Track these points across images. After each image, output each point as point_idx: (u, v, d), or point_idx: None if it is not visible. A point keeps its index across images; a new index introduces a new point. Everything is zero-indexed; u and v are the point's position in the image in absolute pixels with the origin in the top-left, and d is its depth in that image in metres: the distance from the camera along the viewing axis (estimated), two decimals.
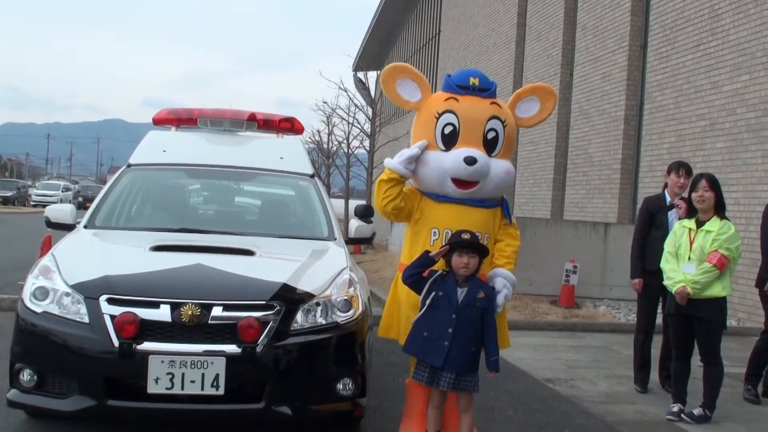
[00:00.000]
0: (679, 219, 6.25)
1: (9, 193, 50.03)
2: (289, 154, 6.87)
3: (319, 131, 30.66)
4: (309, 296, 4.66)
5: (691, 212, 6.06)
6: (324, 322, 4.66)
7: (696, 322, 6.00)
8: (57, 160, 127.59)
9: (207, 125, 7.13)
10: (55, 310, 4.51)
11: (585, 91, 16.99)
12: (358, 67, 37.58)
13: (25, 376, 4.48)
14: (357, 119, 27.59)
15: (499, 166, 4.87)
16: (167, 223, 5.95)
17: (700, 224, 5.98)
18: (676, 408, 6.12)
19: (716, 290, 5.93)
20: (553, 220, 15.93)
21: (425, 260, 4.65)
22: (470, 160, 4.72)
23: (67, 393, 4.42)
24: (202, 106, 7.12)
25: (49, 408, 4.48)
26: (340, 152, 29.81)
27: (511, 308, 11.76)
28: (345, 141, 27.84)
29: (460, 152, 4.76)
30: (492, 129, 4.86)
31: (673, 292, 5.97)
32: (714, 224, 5.94)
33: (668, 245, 6.14)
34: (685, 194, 6.34)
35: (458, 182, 4.79)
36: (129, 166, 6.56)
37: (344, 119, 27.87)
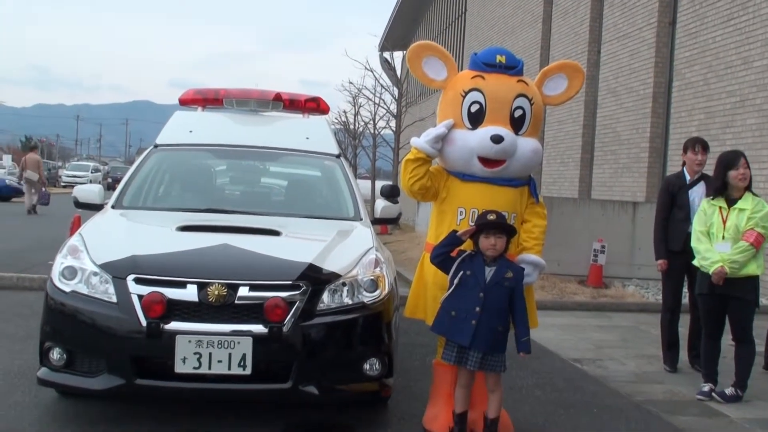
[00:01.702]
0: (707, 198, 6.14)
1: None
2: (315, 134, 6.85)
3: (345, 112, 30.64)
4: (335, 276, 4.65)
5: (720, 190, 5.96)
6: (350, 302, 4.65)
7: (730, 302, 5.93)
8: (86, 141, 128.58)
9: (233, 105, 7.12)
10: (83, 289, 4.54)
11: (613, 68, 16.79)
12: (383, 47, 37.46)
13: (55, 354, 4.52)
14: (383, 99, 27.54)
15: (526, 144, 4.82)
16: (194, 204, 5.97)
17: (731, 202, 5.90)
18: (707, 387, 6.07)
19: (752, 269, 5.85)
20: (580, 200, 15.80)
21: (453, 240, 4.62)
22: (497, 139, 4.67)
23: (96, 372, 4.45)
24: (227, 87, 7.10)
25: (79, 386, 4.52)
26: (366, 133, 29.80)
27: (538, 288, 11.73)
28: (371, 121, 27.81)
29: (486, 130, 4.71)
30: (519, 107, 4.81)
31: (710, 272, 5.87)
32: (747, 202, 5.85)
33: (698, 224, 6.05)
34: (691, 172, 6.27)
35: (485, 161, 4.74)
36: (156, 146, 6.58)
37: (370, 99, 27.83)
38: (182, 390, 4.42)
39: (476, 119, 4.79)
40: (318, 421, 4.99)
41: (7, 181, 31.83)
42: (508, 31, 23.90)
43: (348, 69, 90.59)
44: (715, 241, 5.91)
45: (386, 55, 32.97)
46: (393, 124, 26.80)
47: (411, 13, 37.66)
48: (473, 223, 4.66)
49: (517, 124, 4.82)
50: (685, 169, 6.92)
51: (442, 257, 4.64)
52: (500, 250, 4.58)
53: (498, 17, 25.33)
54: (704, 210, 6.06)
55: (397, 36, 38.08)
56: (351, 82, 29.15)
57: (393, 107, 26.81)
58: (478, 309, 4.50)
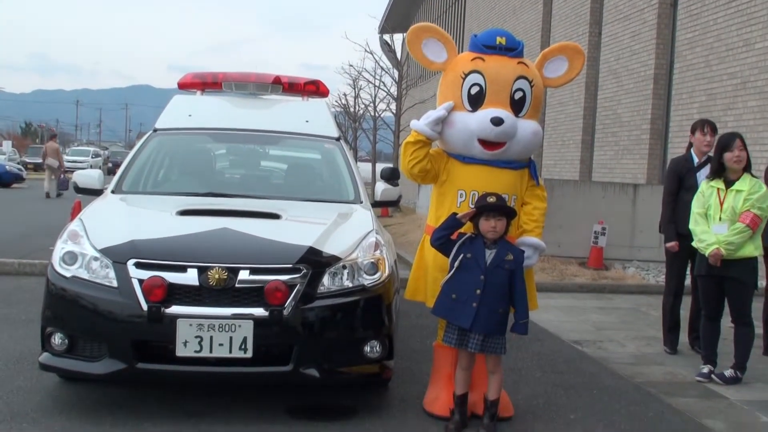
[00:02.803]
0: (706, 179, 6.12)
1: (39, 160, 50.38)
2: (314, 117, 6.84)
3: (345, 94, 30.57)
4: (335, 259, 4.66)
5: (718, 172, 5.95)
6: (350, 285, 4.66)
7: (727, 283, 5.94)
8: (86, 126, 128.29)
9: (232, 89, 7.12)
10: (84, 274, 4.55)
11: (614, 50, 16.74)
12: (383, 29, 37.35)
13: (57, 339, 4.54)
14: (383, 82, 27.49)
15: (526, 126, 4.81)
16: (193, 188, 5.97)
17: (729, 184, 5.89)
18: (706, 369, 6.08)
19: (748, 250, 5.85)
20: (581, 182, 15.79)
21: (453, 223, 4.62)
22: (497, 121, 4.66)
23: (97, 356, 4.47)
24: (226, 71, 7.09)
25: (80, 371, 4.54)
26: (366, 115, 29.76)
27: (539, 270, 11.73)
28: (371, 104, 27.77)
29: (486, 113, 4.71)
30: (519, 89, 4.80)
31: (706, 254, 5.88)
32: (744, 183, 5.85)
33: (696, 206, 6.05)
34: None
35: (485, 143, 4.74)
36: (155, 130, 6.57)
37: (370, 82, 27.77)
38: (184, 373, 4.44)
39: (476, 101, 4.78)
40: (319, 404, 5.00)
41: (7, 167, 31.78)
42: (509, 12, 23.81)
43: (348, 52, 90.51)
44: (713, 222, 5.90)
45: (386, 37, 32.88)
46: (393, 106, 26.76)
47: None
48: (473, 206, 4.66)
49: (517, 106, 4.81)
50: (692, 151, 6.87)
51: (442, 240, 4.65)
52: (500, 233, 4.58)
53: (496, 1, 25.23)
54: (702, 192, 6.05)
55: (397, 18, 37.93)
56: (351, 65, 29.05)
57: (393, 90, 26.76)
58: (478, 291, 4.51)
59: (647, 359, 6.74)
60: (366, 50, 27.88)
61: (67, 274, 4.58)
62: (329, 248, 4.72)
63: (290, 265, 4.52)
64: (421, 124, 4.77)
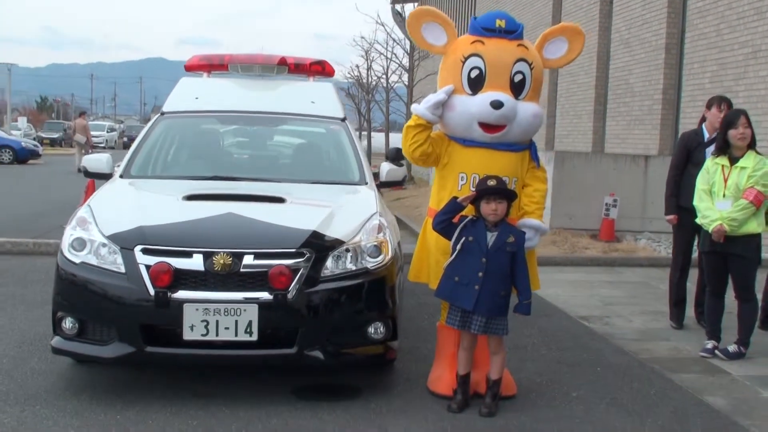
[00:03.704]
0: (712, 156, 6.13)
1: (56, 135, 50.70)
2: (320, 98, 6.88)
3: (358, 66, 30.51)
4: (339, 243, 4.73)
5: (723, 149, 5.96)
6: (354, 267, 4.73)
7: (731, 259, 5.97)
8: (101, 100, 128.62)
9: (238, 71, 7.16)
10: (92, 260, 4.65)
11: (626, 19, 16.61)
12: (395, 0, 37.10)
13: (67, 323, 4.65)
14: (395, 54, 27.38)
15: (526, 109, 4.84)
16: (200, 171, 6.03)
17: (733, 161, 5.90)
18: (710, 345, 6.14)
19: (752, 227, 5.87)
20: (593, 154, 15.75)
21: (454, 206, 4.68)
22: (497, 104, 4.70)
23: (107, 340, 4.58)
24: (235, 48, 7.14)
25: (90, 354, 4.66)
26: (379, 87, 29.70)
27: (550, 243, 11.78)
28: (384, 76, 27.70)
29: (486, 96, 4.74)
30: (519, 71, 4.83)
31: (709, 230, 5.91)
32: (749, 160, 5.86)
33: (701, 182, 6.07)
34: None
35: (485, 126, 4.78)
36: (162, 114, 6.64)
37: (382, 54, 27.69)
38: (191, 357, 4.54)
39: (476, 84, 4.81)
40: (325, 384, 5.08)
41: (23, 143, 31.97)
42: None
43: (361, 22, 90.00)
44: (717, 199, 5.92)
45: (398, 7, 32.68)
46: (405, 78, 26.68)
47: None
48: (474, 189, 4.71)
49: (517, 88, 4.84)
50: (704, 126, 6.86)
51: (444, 224, 4.71)
52: (501, 215, 4.64)
53: None
54: (707, 168, 6.07)
55: None
56: (363, 37, 28.94)
57: (405, 61, 26.66)
58: (480, 274, 4.57)
59: (653, 335, 6.79)
60: (377, 22, 27.75)
61: (77, 260, 4.68)
62: (332, 232, 4.79)
63: (294, 250, 4.59)
64: (421, 107, 4.81)
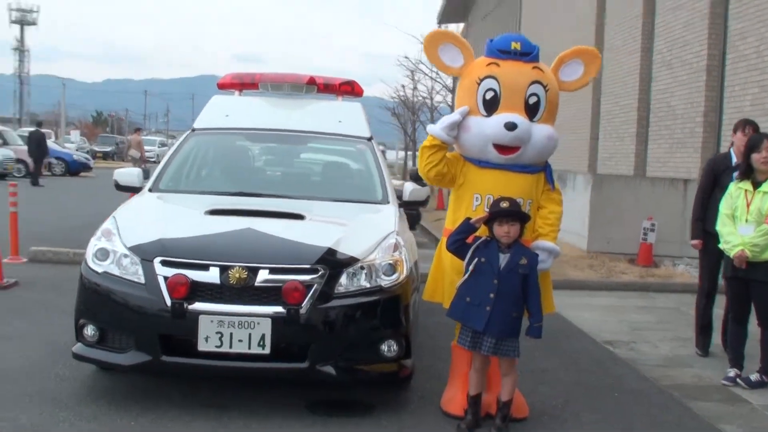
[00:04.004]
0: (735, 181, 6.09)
1: (108, 149, 51.82)
2: (347, 117, 6.97)
3: (404, 86, 30.70)
4: (353, 260, 4.80)
5: (746, 173, 5.92)
6: (368, 285, 4.79)
7: (753, 285, 5.90)
8: (154, 115, 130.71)
9: (268, 89, 7.29)
10: (114, 270, 4.79)
11: (667, 40, 16.48)
12: (442, 19, 37.33)
13: (89, 331, 4.81)
14: (439, 74, 27.50)
15: (541, 131, 4.88)
16: (226, 187, 6.16)
17: (757, 185, 5.85)
18: (732, 373, 6.07)
19: None
20: (631, 177, 15.62)
21: (466, 227, 4.72)
22: (511, 126, 4.74)
23: (125, 348, 4.71)
24: (284, 69, 7.29)
25: (109, 362, 4.81)
26: (424, 107, 29.84)
27: (587, 267, 11.76)
28: (429, 96, 27.83)
29: (500, 118, 4.79)
30: (533, 94, 4.87)
31: (731, 255, 5.88)
32: None
33: (724, 207, 6.03)
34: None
35: (500, 148, 4.82)
36: (193, 130, 6.79)
37: (426, 74, 27.83)
38: (205, 367, 4.64)
39: (491, 106, 4.86)
40: (339, 400, 5.15)
41: (74, 156, 32.65)
42: (564, 1, 23.56)
43: (409, 42, 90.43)
44: (739, 223, 5.88)
45: (444, 27, 32.83)
46: (450, 98, 26.78)
47: None
48: (487, 210, 4.75)
49: (531, 110, 4.88)
50: (732, 150, 6.83)
51: (457, 244, 4.75)
52: (514, 237, 4.67)
53: None
54: (731, 193, 6.02)
55: (454, 8, 37.84)
56: (406, 57, 29.11)
57: (449, 81, 26.76)
58: (492, 295, 4.60)
59: (678, 361, 6.73)
60: (420, 42, 27.92)
61: (99, 270, 4.83)
62: (348, 249, 4.85)
63: (308, 266, 4.67)
64: (436, 128, 4.88)
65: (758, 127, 6.75)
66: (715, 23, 14.68)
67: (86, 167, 32.61)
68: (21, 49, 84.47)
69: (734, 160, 6.75)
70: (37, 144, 25.39)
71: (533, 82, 4.87)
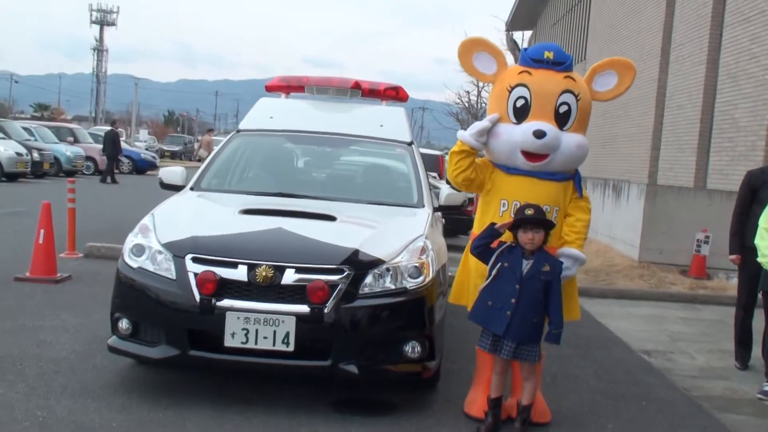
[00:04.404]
0: None
1: (177, 148, 52.90)
2: (389, 121, 7.07)
3: (468, 92, 30.68)
4: (379, 262, 4.88)
5: None
6: (393, 287, 4.86)
7: None
8: (224, 116, 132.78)
9: (313, 92, 7.43)
10: (149, 266, 4.95)
11: (734, 53, 16.20)
12: (511, 26, 37.19)
13: (123, 324, 4.97)
14: None
15: (570, 139, 4.90)
16: (265, 187, 6.31)
17: None
18: (767, 386, 5.99)
19: None
20: (685, 188, 15.37)
21: (491, 232, 4.77)
22: (539, 134, 4.78)
23: (156, 342, 4.86)
24: (353, 73, 7.43)
25: (140, 354, 4.96)
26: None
27: (637, 277, 11.65)
28: None
29: (530, 125, 4.83)
30: (564, 103, 4.90)
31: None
32: None
33: (764, 221, 5.95)
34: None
35: (528, 155, 4.87)
36: (238, 131, 6.97)
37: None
38: (230, 362, 4.76)
39: (521, 114, 4.91)
40: (364, 399, 5.23)
41: (142, 154, 33.41)
42: (633, 11, 23.28)
43: None
44: None
45: (513, 34, 32.73)
46: None
47: None
48: (513, 216, 4.80)
49: (562, 119, 4.91)
50: None
51: (481, 249, 4.81)
52: (538, 244, 4.70)
53: None
54: None
55: (524, 15, 37.69)
56: None
57: None
58: (513, 300, 4.64)
59: (713, 373, 6.67)
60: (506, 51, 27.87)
61: (134, 265, 5.00)
62: (374, 251, 4.94)
63: (334, 266, 4.77)
64: (466, 134, 4.94)
65: None
66: None
67: (153, 166, 33.34)
68: (100, 49, 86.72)
69: None
70: (111, 142, 26.05)
71: (564, 91, 4.90)
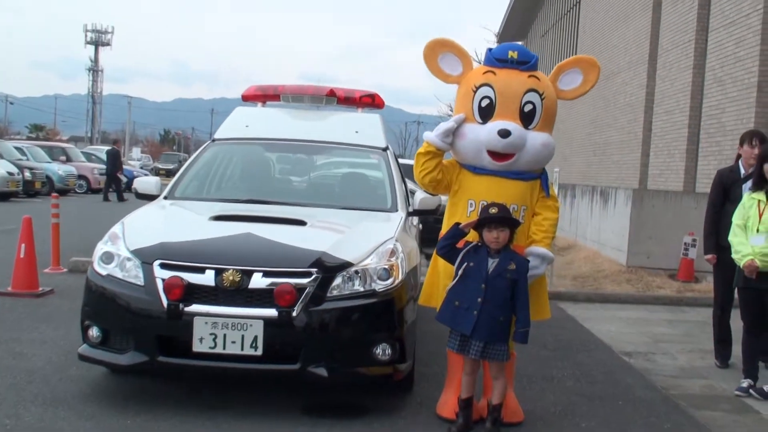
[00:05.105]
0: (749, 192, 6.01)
1: (171, 166, 52.84)
2: (364, 128, 7.07)
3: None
4: (348, 264, 4.87)
5: (760, 184, 5.85)
6: (362, 289, 4.86)
7: (765, 295, 5.82)
8: None
9: (289, 101, 7.44)
10: (118, 273, 4.95)
11: (719, 57, 16.23)
12: (501, 38, 37.30)
13: (93, 332, 4.96)
14: None
15: (535, 138, 4.91)
16: (238, 194, 6.32)
17: None
18: (745, 383, 5.98)
19: None
20: (672, 192, 15.39)
21: (456, 232, 4.77)
22: (504, 133, 4.78)
23: (125, 349, 4.85)
24: (287, 83, 7.44)
25: (110, 362, 4.96)
26: None
27: (624, 281, 11.64)
28: None
29: (495, 125, 4.84)
30: (529, 102, 4.90)
31: (741, 266, 5.82)
32: None
33: (737, 218, 5.96)
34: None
35: (494, 154, 4.87)
36: (213, 140, 6.97)
37: None
38: (199, 368, 4.75)
39: (486, 113, 4.91)
40: (337, 403, 5.22)
41: (134, 172, 33.38)
42: (620, 19, 23.36)
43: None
44: (750, 234, 5.81)
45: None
46: None
47: (528, 2, 37.33)
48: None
49: (527, 118, 4.91)
50: (740, 162, 6.77)
51: (447, 249, 4.81)
52: (503, 243, 4.70)
53: (610, 5, 24.83)
54: (743, 204, 5.96)
55: (514, 26, 37.83)
56: None
57: None
58: (480, 299, 4.64)
59: (693, 372, 6.65)
60: (474, 60, 27.94)
61: (104, 273, 4.99)
62: (343, 254, 4.93)
63: (301, 269, 4.76)
64: (432, 135, 4.94)
65: (765, 137, 6.66)
66: (767, 39, 14.42)
67: None
68: (95, 69, 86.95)
69: (742, 172, 6.68)
70: (112, 161, 26.06)
71: (529, 90, 4.90)
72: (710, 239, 6.74)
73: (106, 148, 27.87)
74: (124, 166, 34.01)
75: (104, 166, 28.07)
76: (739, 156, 6.80)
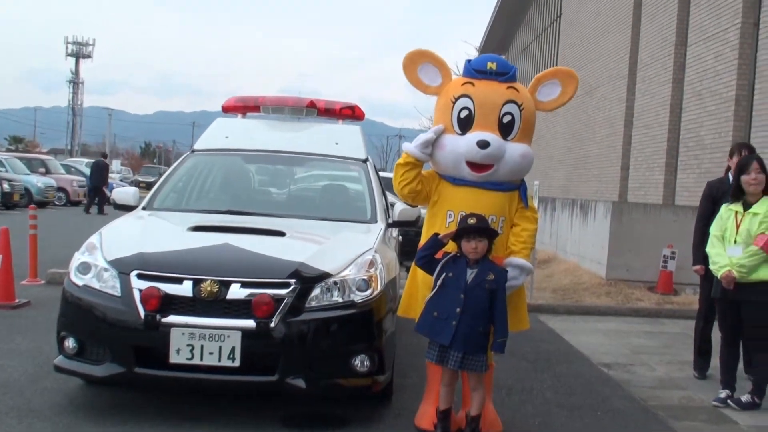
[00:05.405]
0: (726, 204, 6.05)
1: (152, 179, 52.60)
2: (344, 139, 7.07)
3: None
4: (326, 275, 4.86)
5: (737, 195, 5.89)
6: (340, 300, 4.84)
7: (742, 306, 5.85)
8: None
9: (269, 112, 7.43)
10: (95, 284, 4.91)
11: (698, 71, 16.39)
12: (483, 51, 37.45)
13: (69, 343, 4.91)
14: None
15: (514, 149, 4.92)
16: (217, 205, 6.30)
17: (747, 206, 5.83)
18: (723, 394, 6.01)
19: (763, 273, 5.76)
20: (651, 205, 15.46)
21: (434, 243, 4.77)
22: (483, 144, 4.79)
23: (101, 360, 4.80)
24: (268, 94, 7.42)
25: (85, 373, 4.91)
26: None
27: (604, 294, 11.67)
28: None
29: (473, 136, 4.84)
30: (508, 113, 4.91)
31: (718, 276, 5.85)
32: (762, 206, 5.78)
33: (714, 229, 6.01)
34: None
35: (473, 165, 4.87)
36: (193, 151, 6.95)
37: None
38: (176, 379, 4.71)
39: (465, 125, 4.92)
40: (316, 414, 5.19)
41: (114, 185, 33.20)
42: (600, 34, 23.52)
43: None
44: (728, 245, 5.85)
45: None
46: None
47: (509, 16, 37.57)
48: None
49: (505, 129, 4.92)
50: (729, 174, 6.80)
51: (425, 259, 4.80)
52: (481, 253, 4.69)
53: (589, 21, 25.02)
54: (721, 215, 6.01)
55: (496, 40, 38.05)
56: None
57: None
58: (458, 310, 4.63)
59: (671, 383, 6.68)
60: (454, 73, 28.02)
61: (80, 283, 4.95)
62: (321, 264, 4.92)
63: (279, 280, 4.74)
64: (411, 146, 4.94)
65: (754, 150, 6.71)
66: (745, 53, 14.58)
67: None
68: (75, 81, 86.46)
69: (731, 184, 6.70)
70: (99, 173, 25.90)
71: (508, 102, 4.92)
72: (699, 250, 6.75)
73: (86, 160, 27.71)
74: None
75: (84, 179, 27.91)
76: (728, 168, 6.83)
